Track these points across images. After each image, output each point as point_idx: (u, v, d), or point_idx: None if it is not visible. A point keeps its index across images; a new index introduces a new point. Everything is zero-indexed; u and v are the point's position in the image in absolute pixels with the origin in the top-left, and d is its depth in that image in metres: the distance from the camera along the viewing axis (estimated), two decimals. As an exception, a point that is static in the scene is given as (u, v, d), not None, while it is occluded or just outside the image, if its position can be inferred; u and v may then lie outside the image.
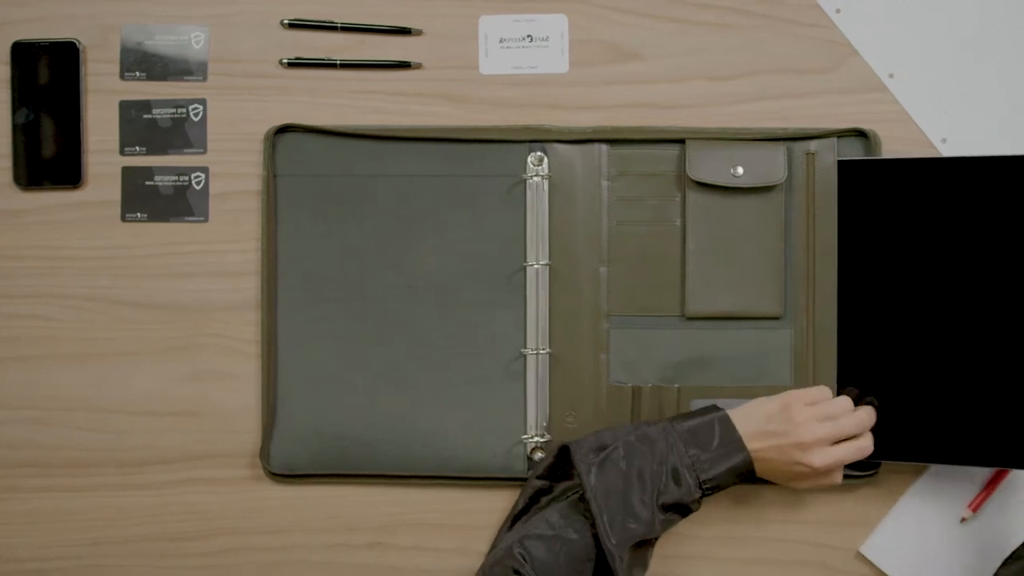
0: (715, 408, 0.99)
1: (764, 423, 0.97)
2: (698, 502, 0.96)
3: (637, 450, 0.95)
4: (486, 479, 1.06)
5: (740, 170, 1.05)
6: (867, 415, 1.00)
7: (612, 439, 0.97)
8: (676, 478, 0.94)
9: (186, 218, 1.07)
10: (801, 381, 1.05)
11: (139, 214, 1.08)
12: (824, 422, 0.98)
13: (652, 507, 0.94)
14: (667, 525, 0.96)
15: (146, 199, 1.07)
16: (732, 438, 0.96)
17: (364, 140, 1.06)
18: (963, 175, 1.01)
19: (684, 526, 1.05)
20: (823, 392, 1.01)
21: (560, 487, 1.00)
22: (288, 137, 1.07)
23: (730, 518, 1.07)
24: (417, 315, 1.06)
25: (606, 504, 0.93)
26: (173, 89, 1.08)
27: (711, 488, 0.95)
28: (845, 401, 1.01)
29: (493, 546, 1.02)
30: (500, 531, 1.02)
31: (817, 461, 0.97)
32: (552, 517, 0.95)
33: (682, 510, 0.96)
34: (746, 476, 0.97)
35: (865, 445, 0.99)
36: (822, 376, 1.05)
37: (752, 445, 0.96)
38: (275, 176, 1.06)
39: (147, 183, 1.07)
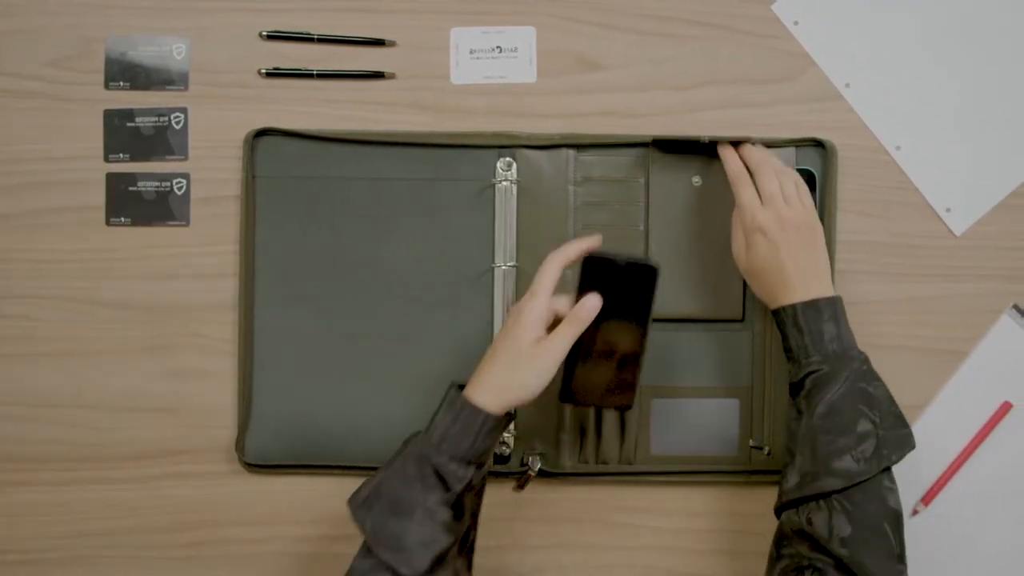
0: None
1: (487, 353, 0.94)
2: (480, 470, 0.93)
3: (392, 481, 0.92)
4: (454, 473, 1.09)
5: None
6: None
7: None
8: (440, 477, 0.91)
9: (168, 222, 1.10)
10: (759, 381, 1.08)
11: (123, 219, 1.10)
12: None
13: (436, 514, 0.90)
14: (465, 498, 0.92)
15: (130, 204, 1.10)
16: (457, 404, 0.92)
17: (340, 144, 1.09)
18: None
19: (648, 518, 1.09)
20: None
21: None
22: (267, 140, 1.09)
23: (689, 511, 1.10)
24: (389, 313, 1.08)
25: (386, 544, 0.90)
26: (156, 98, 1.11)
27: (479, 455, 0.92)
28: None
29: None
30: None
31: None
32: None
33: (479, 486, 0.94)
34: (496, 424, 0.92)
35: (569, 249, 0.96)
36: (780, 377, 1.08)
37: (475, 389, 0.92)
38: (254, 177, 1.09)
39: (130, 189, 1.10)
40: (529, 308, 0.93)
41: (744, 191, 1.00)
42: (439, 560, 0.90)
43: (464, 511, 0.93)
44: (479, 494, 0.96)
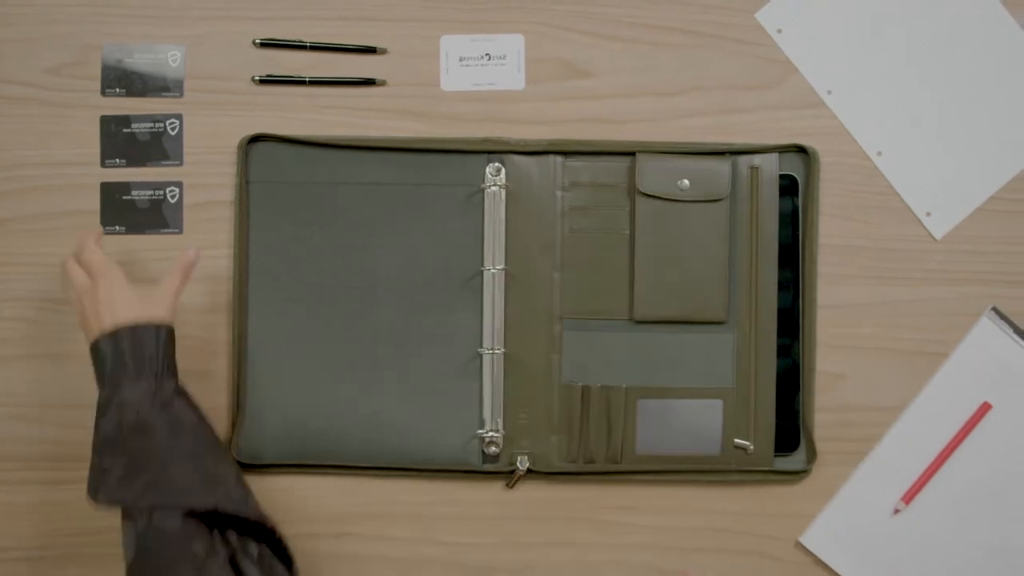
0: None
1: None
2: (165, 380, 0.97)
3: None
4: (443, 471, 1.10)
5: (686, 183, 1.10)
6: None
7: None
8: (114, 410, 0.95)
9: (162, 230, 1.12)
10: (743, 383, 1.10)
11: (117, 227, 1.12)
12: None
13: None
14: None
15: (124, 213, 1.12)
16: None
17: (332, 149, 1.11)
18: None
19: (634, 516, 1.11)
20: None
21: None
22: (260, 146, 1.11)
23: (674, 509, 1.11)
24: (380, 316, 1.10)
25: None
26: (151, 105, 1.12)
27: (156, 367, 0.96)
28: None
29: None
30: None
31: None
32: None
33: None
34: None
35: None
36: (763, 378, 1.10)
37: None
38: (248, 182, 1.11)
39: (124, 197, 1.12)
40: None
41: None
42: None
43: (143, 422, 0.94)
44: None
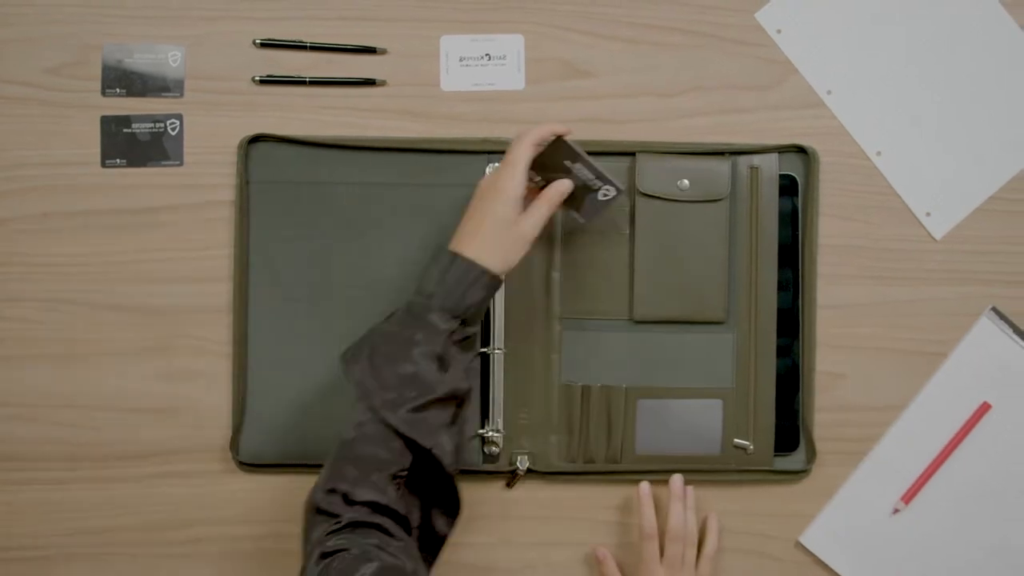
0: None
1: (466, 219, 0.99)
2: (464, 328, 0.97)
3: (383, 331, 0.98)
4: (443, 472, 1.11)
5: (686, 183, 1.10)
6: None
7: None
8: (425, 326, 0.95)
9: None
10: (742, 382, 1.10)
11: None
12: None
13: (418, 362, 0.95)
14: (452, 364, 0.97)
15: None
16: (445, 258, 0.97)
17: (332, 149, 1.11)
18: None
19: (629, 515, 1.11)
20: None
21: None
22: (261, 146, 1.11)
23: (674, 509, 1.12)
24: (379, 315, 1.09)
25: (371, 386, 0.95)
26: (151, 105, 1.12)
27: (466, 310, 0.96)
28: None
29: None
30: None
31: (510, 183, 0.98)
32: (354, 416, 0.95)
33: (464, 344, 0.98)
34: (479, 277, 0.96)
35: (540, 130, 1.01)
36: (762, 378, 1.10)
37: (466, 240, 0.97)
38: (248, 183, 1.11)
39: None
40: (512, 185, 0.98)
41: (649, 548, 1.07)
42: (421, 408, 0.93)
43: (448, 365, 0.96)
44: (466, 355, 0.99)
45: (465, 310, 0.96)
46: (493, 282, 0.97)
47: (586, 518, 1.12)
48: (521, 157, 0.99)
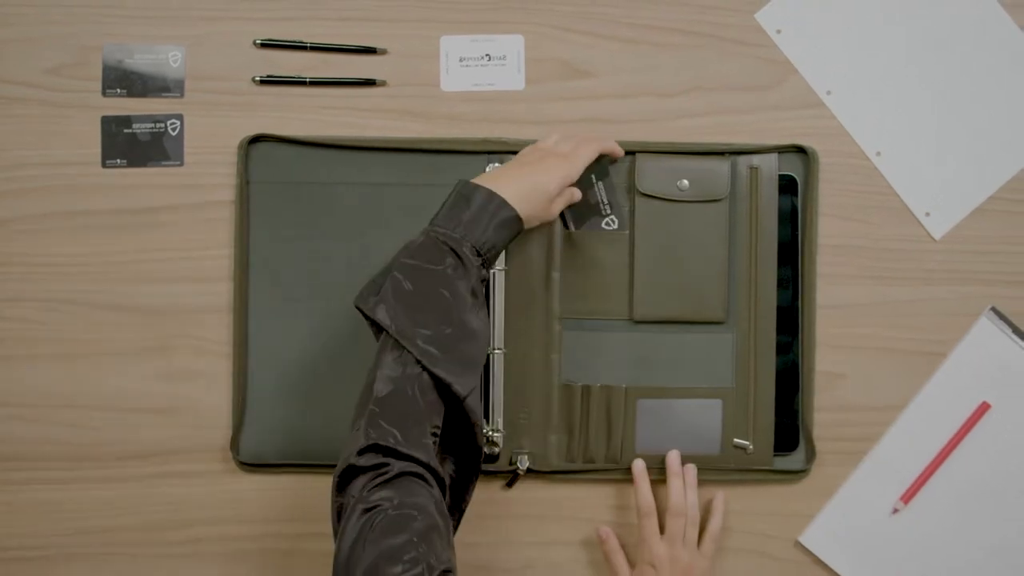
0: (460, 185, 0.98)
1: (502, 170, 1.00)
2: (483, 270, 0.95)
3: (410, 266, 0.93)
4: (443, 472, 1.11)
5: (686, 183, 1.10)
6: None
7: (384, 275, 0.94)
8: (461, 260, 0.93)
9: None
10: (742, 382, 1.10)
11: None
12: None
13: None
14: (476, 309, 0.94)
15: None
16: (469, 188, 0.96)
17: (332, 150, 1.11)
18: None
19: (634, 515, 1.11)
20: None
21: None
22: (261, 147, 1.11)
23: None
24: (379, 317, 1.11)
25: (409, 329, 0.90)
26: (152, 105, 1.12)
27: (488, 250, 0.95)
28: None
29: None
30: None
31: (565, 146, 1.02)
32: (384, 371, 0.90)
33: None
34: (511, 221, 0.96)
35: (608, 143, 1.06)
36: (762, 378, 1.10)
37: (501, 185, 0.96)
38: (248, 183, 1.11)
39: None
40: (570, 174, 1.01)
41: (648, 524, 1.06)
42: (459, 348, 0.90)
43: (480, 305, 0.94)
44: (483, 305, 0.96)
45: (489, 249, 0.95)
46: (519, 228, 0.97)
47: (586, 518, 1.12)
48: (589, 156, 1.03)
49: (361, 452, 0.87)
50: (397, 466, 0.86)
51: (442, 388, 0.90)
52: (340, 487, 0.87)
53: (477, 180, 0.97)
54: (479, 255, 0.94)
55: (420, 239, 0.95)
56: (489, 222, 0.95)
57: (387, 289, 0.92)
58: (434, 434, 0.90)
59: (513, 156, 1.10)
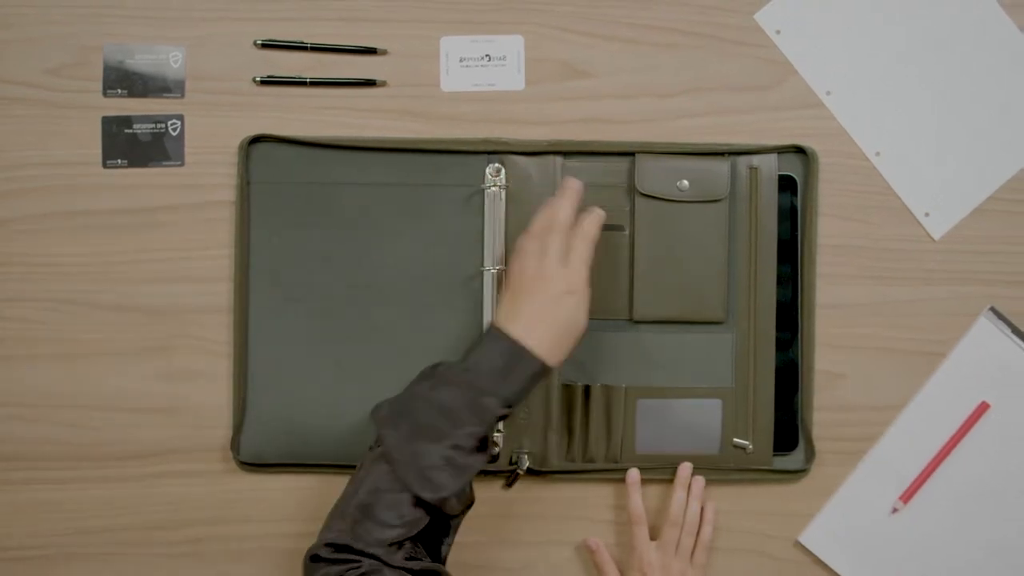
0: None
1: (526, 298, 0.97)
2: (507, 410, 0.96)
3: (426, 400, 0.96)
4: (443, 472, 1.11)
5: (685, 183, 1.10)
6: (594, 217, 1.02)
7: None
8: (482, 415, 0.94)
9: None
10: (742, 382, 1.10)
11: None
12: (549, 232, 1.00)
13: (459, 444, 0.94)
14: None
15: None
16: (505, 344, 0.95)
17: (332, 150, 1.11)
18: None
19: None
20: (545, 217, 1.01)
21: None
22: (261, 147, 1.11)
23: (674, 509, 1.12)
24: (380, 315, 1.10)
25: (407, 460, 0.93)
26: (152, 105, 1.12)
27: (520, 399, 0.96)
28: (560, 204, 1.00)
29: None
30: None
31: (561, 213, 0.99)
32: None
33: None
34: (542, 373, 0.96)
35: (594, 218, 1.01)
36: (762, 378, 1.10)
37: (516, 324, 0.95)
38: (248, 183, 1.11)
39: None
40: (585, 287, 0.98)
41: (638, 532, 1.08)
42: (460, 492, 0.94)
43: (487, 446, 0.97)
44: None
45: (517, 399, 0.96)
46: (546, 376, 0.97)
47: (586, 518, 1.12)
48: (590, 255, 0.99)
49: (331, 544, 0.92)
50: (365, 564, 0.90)
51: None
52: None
53: (510, 322, 0.96)
54: (507, 405, 0.95)
55: (447, 370, 0.97)
56: (518, 378, 0.95)
57: (402, 416, 0.95)
58: (412, 538, 0.93)
59: (513, 156, 1.11)
